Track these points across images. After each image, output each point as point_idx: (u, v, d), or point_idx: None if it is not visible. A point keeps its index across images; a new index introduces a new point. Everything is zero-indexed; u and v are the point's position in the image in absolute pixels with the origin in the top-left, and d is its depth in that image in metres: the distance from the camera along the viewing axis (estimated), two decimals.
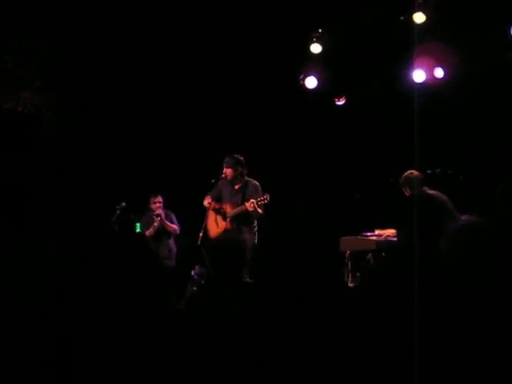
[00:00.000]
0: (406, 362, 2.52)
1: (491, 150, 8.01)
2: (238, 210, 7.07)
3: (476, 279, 2.56)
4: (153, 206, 8.05)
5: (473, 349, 2.49)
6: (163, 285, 2.84)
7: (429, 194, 5.91)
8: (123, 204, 7.84)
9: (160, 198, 8.07)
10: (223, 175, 7.18)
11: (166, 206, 8.14)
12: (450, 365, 2.51)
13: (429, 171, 7.05)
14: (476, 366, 2.48)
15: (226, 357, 2.77)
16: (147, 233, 7.91)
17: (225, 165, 7.16)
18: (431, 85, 7.91)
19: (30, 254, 2.90)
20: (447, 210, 5.71)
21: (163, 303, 2.76)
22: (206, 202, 7.28)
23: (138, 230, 8.04)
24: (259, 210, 6.90)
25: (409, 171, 6.45)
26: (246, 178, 7.24)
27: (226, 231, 7.08)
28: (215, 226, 7.24)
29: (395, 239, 6.39)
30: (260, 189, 7.16)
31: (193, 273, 7.43)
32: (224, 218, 7.19)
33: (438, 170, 7.39)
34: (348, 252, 6.76)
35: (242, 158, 7.23)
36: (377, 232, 6.90)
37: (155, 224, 7.98)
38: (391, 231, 6.62)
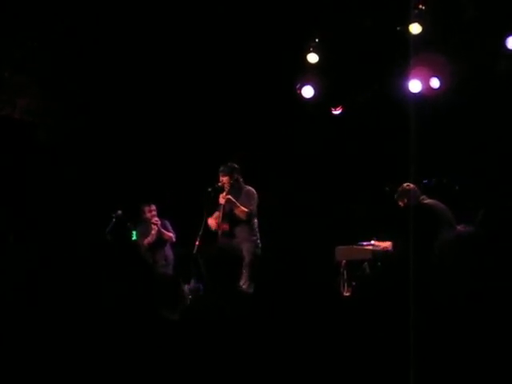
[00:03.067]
0: (402, 372, 2.52)
1: (487, 159, 8.04)
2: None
3: (470, 287, 2.57)
4: (148, 215, 8.04)
5: (468, 358, 2.49)
6: (153, 294, 2.84)
7: (426, 204, 5.93)
8: (119, 212, 7.83)
9: (154, 207, 8.07)
10: (220, 184, 7.17)
11: (161, 215, 8.14)
12: (446, 375, 2.52)
13: (424, 181, 7.08)
14: (471, 375, 2.48)
15: (218, 366, 2.77)
16: (146, 241, 7.90)
17: (221, 173, 7.16)
18: (427, 95, 7.94)
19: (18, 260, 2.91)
20: (444, 219, 5.73)
21: (153, 312, 2.76)
22: (213, 224, 7.17)
23: (134, 237, 8.02)
24: (241, 207, 6.94)
25: (405, 184, 6.48)
26: (242, 184, 7.24)
27: (221, 238, 7.04)
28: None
29: (391, 250, 6.43)
30: (254, 195, 7.15)
31: (186, 288, 7.39)
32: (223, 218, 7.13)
33: (434, 179, 7.41)
34: (344, 261, 6.76)
35: (236, 166, 7.24)
36: (373, 242, 6.90)
37: (153, 232, 7.97)
38: (388, 243, 6.62)
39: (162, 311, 2.79)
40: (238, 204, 7.03)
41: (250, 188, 7.21)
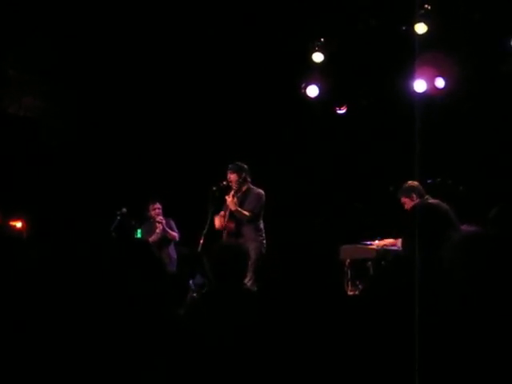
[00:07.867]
0: (406, 372, 2.52)
1: (491, 160, 8.04)
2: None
3: (479, 288, 2.56)
4: (152, 213, 8.05)
5: (474, 360, 2.48)
6: (163, 291, 2.84)
7: (433, 203, 5.90)
8: (124, 210, 7.85)
9: (159, 205, 8.08)
10: (225, 182, 7.13)
11: (166, 214, 8.15)
12: (451, 375, 2.51)
13: (429, 181, 7.06)
14: (477, 375, 2.48)
15: (223, 366, 2.77)
16: (151, 240, 7.90)
17: (229, 171, 7.11)
18: (432, 95, 7.94)
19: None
20: (450, 219, 5.71)
21: (163, 310, 2.76)
22: (218, 224, 7.17)
23: (138, 235, 8.03)
24: (242, 212, 6.93)
25: (408, 182, 6.45)
26: (251, 185, 7.19)
27: (227, 237, 7.03)
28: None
29: (393, 248, 6.45)
30: (261, 199, 7.11)
31: (191, 282, 7.40)
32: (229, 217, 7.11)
33: (438, 179, 7.40)
34: (348, 260, 6.75)
35: (245, 166, 7.20)
36: (377, 242, 6.90)
37: (157, 231, 7.98)
38: (389, 241, 6.63)
39: (168, 306, 2.79)
40: (240, 209, 6.99)
41: (259, 191, 7.13)
